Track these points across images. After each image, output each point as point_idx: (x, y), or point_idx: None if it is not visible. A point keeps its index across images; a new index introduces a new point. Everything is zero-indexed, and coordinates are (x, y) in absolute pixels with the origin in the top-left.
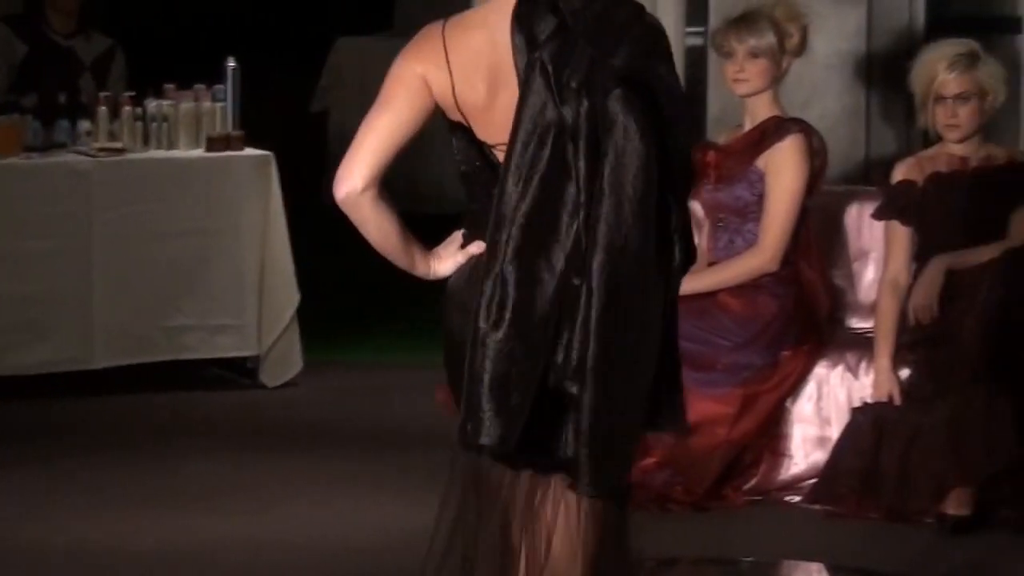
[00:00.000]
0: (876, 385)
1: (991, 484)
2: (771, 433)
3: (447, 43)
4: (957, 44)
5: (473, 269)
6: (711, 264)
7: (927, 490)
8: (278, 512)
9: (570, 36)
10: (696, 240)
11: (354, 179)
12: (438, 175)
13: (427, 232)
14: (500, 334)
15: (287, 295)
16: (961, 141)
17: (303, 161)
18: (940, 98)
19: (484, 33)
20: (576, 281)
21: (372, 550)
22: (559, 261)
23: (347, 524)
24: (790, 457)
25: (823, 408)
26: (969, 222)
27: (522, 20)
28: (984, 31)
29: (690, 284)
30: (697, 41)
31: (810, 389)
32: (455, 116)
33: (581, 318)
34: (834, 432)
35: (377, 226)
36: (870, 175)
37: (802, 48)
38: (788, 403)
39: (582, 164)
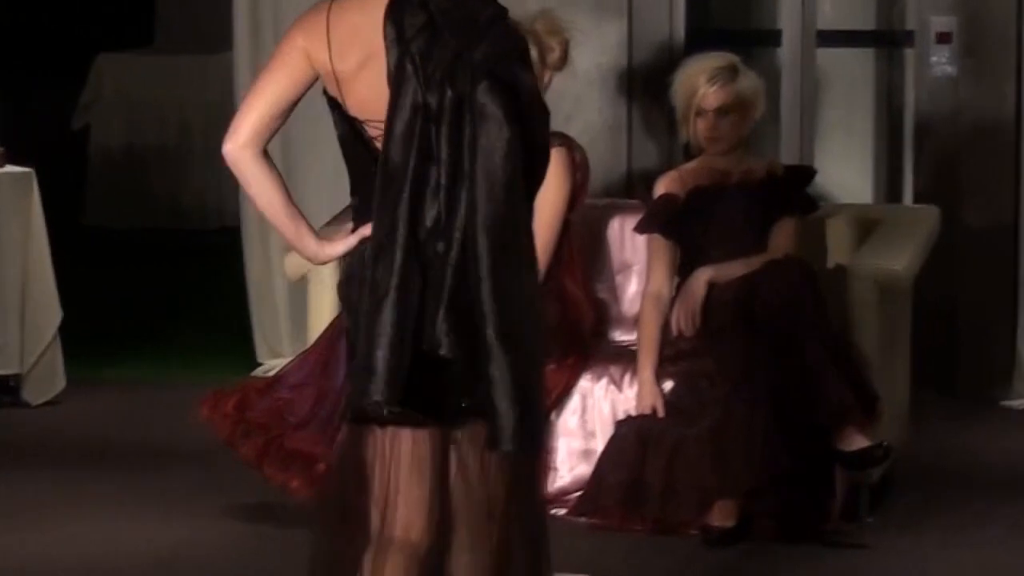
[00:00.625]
0: (640, 398)
1: (754, 495)
2: None
3: (330, 20)
4: (717, 57)
5: (363, 248)
6: None
7: (691, 502)
8: (40, 531)
9: (436, 31)
10: None
11: (237, 135)
12: (200, 190)
13: (193, 247)
14: (387, 305)
15: (49, 313)
16: (724, 154)
17: (64, 178)
18: (701, 111)
19: (361, 16)
20: (440, 250)
21: (134, 569)
22: (423, 235)
23: (109, 543)
24: (555, 470)
25: (588, 421)
26: (730, 235)
27: (394, 13)
28: (744, 44)
29: None
30: None
31: (574, 402)
32: (331, 88)
33: (454, 290)
34: (599, 445)
35: (259, 185)
36: (632, 188)
37: (564, 62)
38: (553, 416)
39: (444, 148)
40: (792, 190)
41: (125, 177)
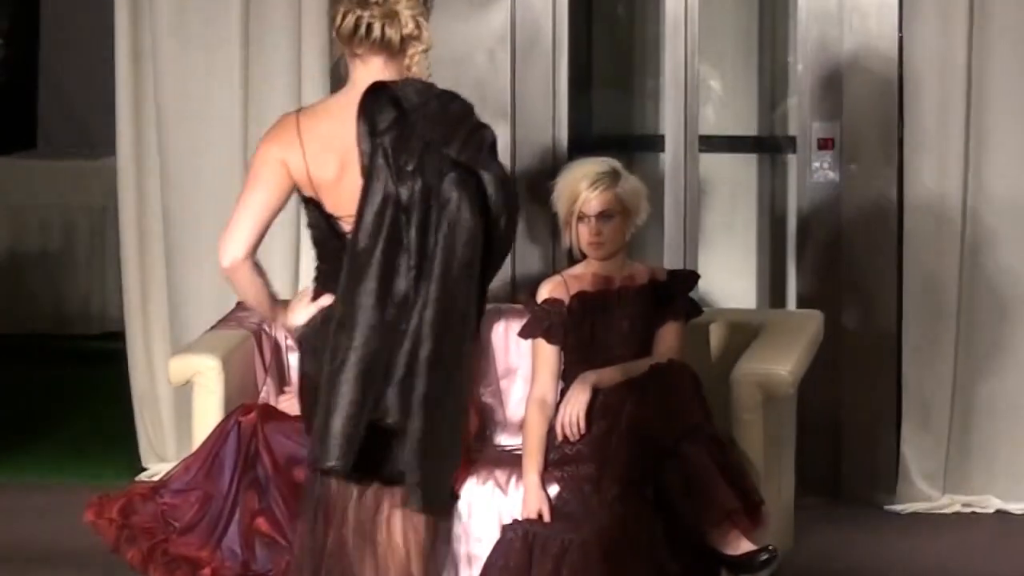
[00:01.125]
0: (525, 502)
1: None
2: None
3: (300, 129)
4: (598, 162)
5: (323, 319)
6: None
7: None
8: None
9: (406, 126)
10: None
11: (235, 250)
12: (85, 294)
13: (77, 352)
14: (346, 374)
15: None
16: (605, 259)
17: None
18: (583, 216)
19: (332, 122)
20: (403, 327)
21: None
22: (390, 314)
23: None
24: (454, 567)
25: (473, 526)
26: (615, 340)
27: (366, 111)
28: (627, 149)
29: None
30: None
31: (460, 507)
32: (308, 192)
33: (406, 361)
34: (484, 550)
35: (255, 289)
36: (516, 293)
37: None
38: (438, 521)
39: (413, 234)
40: (676, 295)
41: (7, 281)
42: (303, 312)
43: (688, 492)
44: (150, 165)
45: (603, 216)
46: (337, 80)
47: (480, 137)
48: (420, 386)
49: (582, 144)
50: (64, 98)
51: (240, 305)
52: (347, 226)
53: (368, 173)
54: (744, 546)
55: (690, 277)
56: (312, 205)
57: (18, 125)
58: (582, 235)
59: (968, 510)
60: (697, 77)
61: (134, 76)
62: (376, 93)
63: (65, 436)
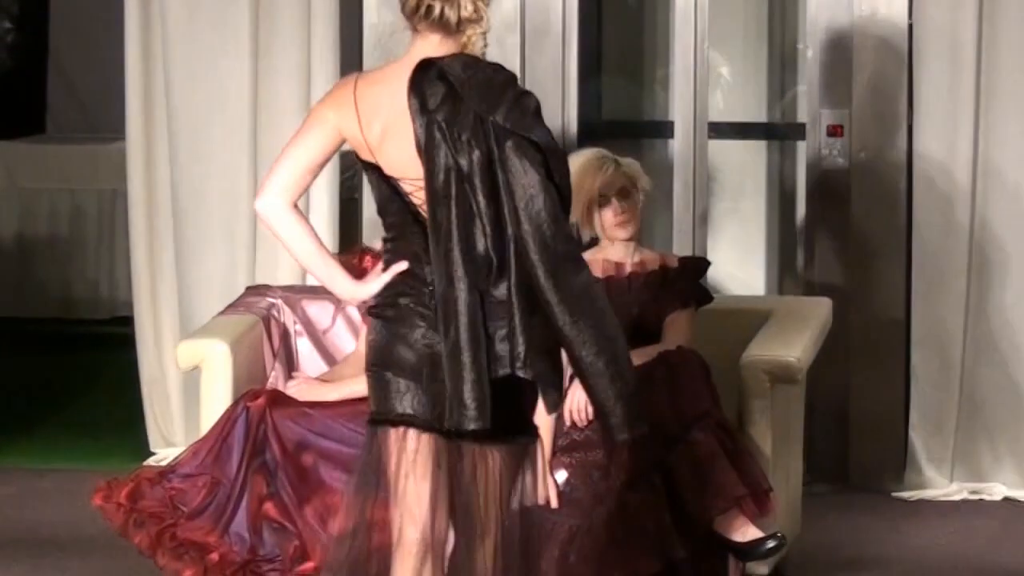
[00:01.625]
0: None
1: None
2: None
3: (356, 94)
4: (590, 151)
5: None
6: None
7: None
8: None
9: (457, 98)
10: (357, 344)
11: (266, 190)
12: (93, 279)
13: (85, 337)
14: (462, 344)
15: None
16: (631, 238)
17: None
18: (604, 200)
19: (382, 87)
20: (500, 295)
21: None
22: (478, 280)
23: None
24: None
25: None
26: (624, 326)
27: (416, 86)
28: (637, 136)
29: (346, 388)
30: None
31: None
32: (366, 156)
33: (507, 322)
34: None
35: (291, 232)
36: None
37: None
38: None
39: (481, 200)
40: (686, 282)
41: (15, 266)
42: (376, 283)
43: (696, 479)
44: (159, 149)
45: (623, 193)
46: (348, 60)
47: (524, 103)
48: (587, 337)
49: (592, 130)
50: (73, 82)
51: (249, 290)
52: (407, 187)
53: (427, 148)
54: (752, 533)
55: (700, 264)
56: (371, 169)
57: (27, 109)
58: (607, 219)
59: (975, 497)
60: (706, 64)
61: (144, 60)
62: (425, 70)
63: (73, 421)
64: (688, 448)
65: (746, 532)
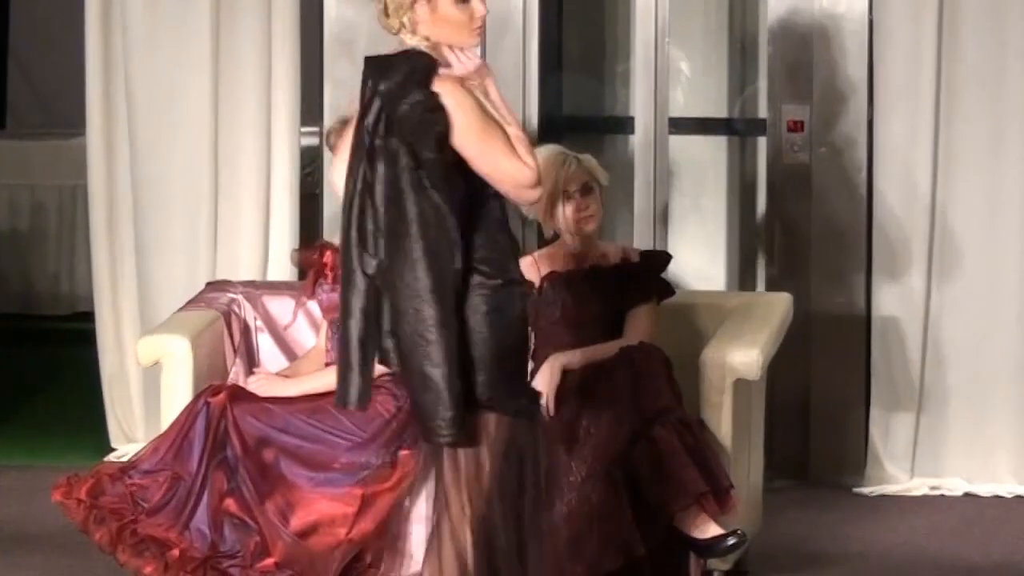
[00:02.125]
0: None
1: None
2: (390, 532)
3: None
4: (550, 148)
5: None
6: (328, 364)
7: None
8: None
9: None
10: (317, 340)
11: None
12: (54, 274)
13: (46, 333)
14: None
15: None
16: (591, 234)
17: None
18: (568, 195)
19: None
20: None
21: None
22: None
23: None
24: (410, 556)
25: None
26: (585, 320)
27: None
28: (597, 131)
29: (307, 384)
30: (312, 141)
31: (429, 487)
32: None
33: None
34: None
35: None
36: None
37: None
38: (407, 502)
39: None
40: (648, 275)
41: None
42: None
43: (657, 475)
44: (120, 145)
45: (585, 189)
46: (309, 56)
47: (412, 66)
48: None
49: (552, 126)
50: (33, 77)
51: (210, 285)
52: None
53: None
54: (712, 530)
55: (662, 257)
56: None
57: None
58: (569, 214)
59: (936, 492)
60: (667, 59)
61: (104, 54)
62: None
63: (34, 417)
64: (649, 444)
65: (706, 529)
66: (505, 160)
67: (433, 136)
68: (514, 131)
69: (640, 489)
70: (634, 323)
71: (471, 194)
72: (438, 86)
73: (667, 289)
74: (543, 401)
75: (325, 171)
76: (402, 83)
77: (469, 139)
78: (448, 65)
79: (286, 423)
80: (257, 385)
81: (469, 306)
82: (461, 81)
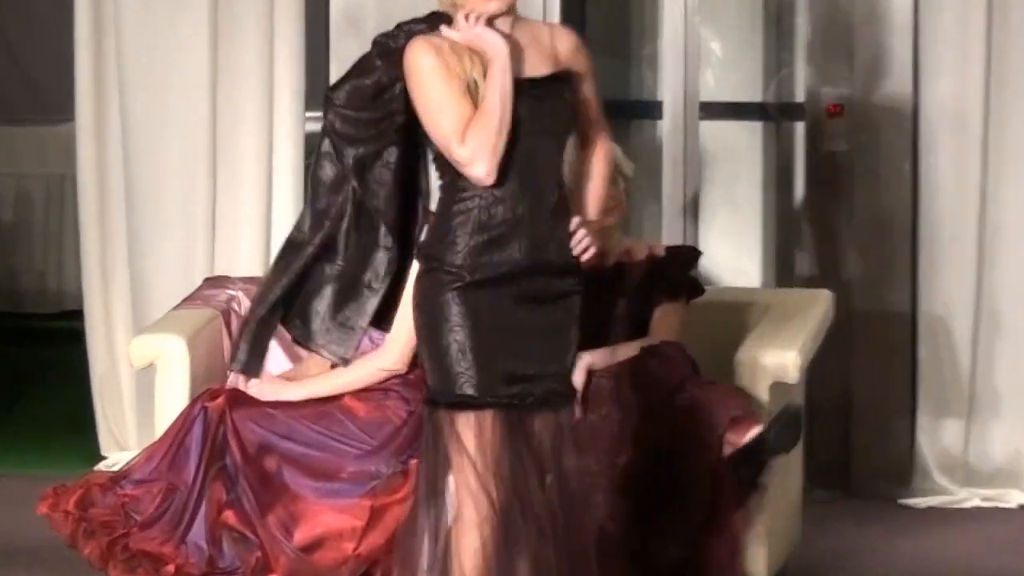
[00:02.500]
0: None
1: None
2: (401, 547)
3: None
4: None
5: None
6: (334, 366)
7: None
8: None
9: None
10: None
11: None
12: (40, 270)
13: (32, 332)
14: None
15: None
16: (614, 226)
17: None
18: None
19: None
20: None
21: None
22: None
23: None
24: (423, 572)
25: None
26: (609, 321)
27: None
28: (623, 116)
29: (313, 387)
30: (318, 126)
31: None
32: None
33: None
34: None
35: None
36: None
37: None
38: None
39: None
40: (675, 272)
41: None
42: None
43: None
44: (111, 131)
45: None
46: (313, 36)
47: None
48: None
49: None
50: (20, 58)
51: (208, 282)
52: None
53: None
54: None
55: (691, 253)
56: None
57: None
58: None
59: (989, 504)
60: (697, 39)
61: (94, 35)
62: None
63: (19, 422)
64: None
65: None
66: (442, 131)
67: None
68: (492, 120)
69: (674, 451)
70: (660, 323)
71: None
72: (410, 44)
73: (696, 287)
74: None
75: None
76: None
77: (416, 100)
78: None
79: (289, 429)
80: (258, 389)
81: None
82: (450, 45)
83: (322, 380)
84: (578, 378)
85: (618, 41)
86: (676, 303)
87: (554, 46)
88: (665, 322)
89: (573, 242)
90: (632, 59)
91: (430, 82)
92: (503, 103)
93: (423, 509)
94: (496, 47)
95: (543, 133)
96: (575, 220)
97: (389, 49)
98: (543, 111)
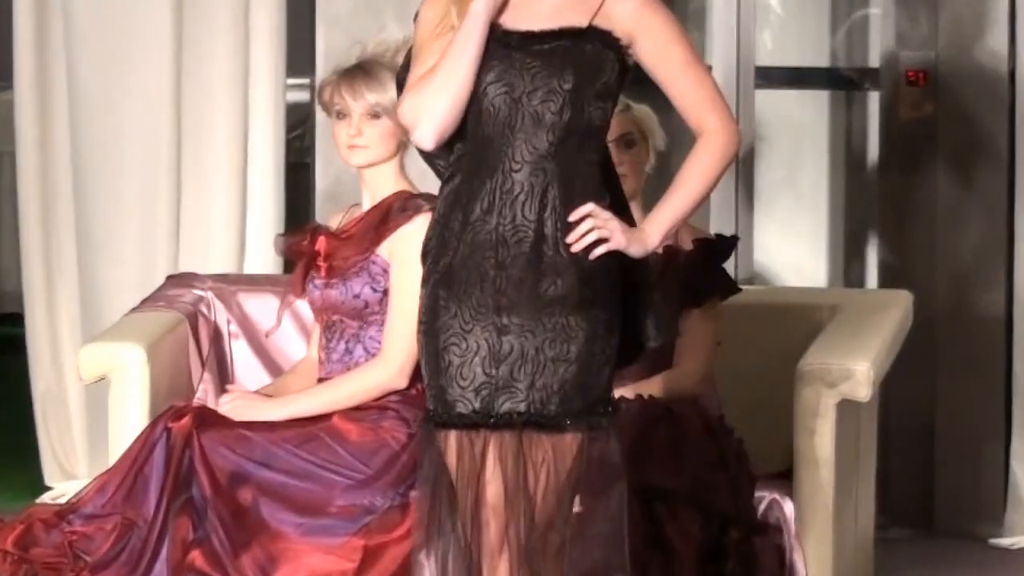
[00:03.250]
0: None
1: None
2: None
3: None
4: None
5: None
6: (322, 379)
7: None
8: None
9: None
10: (308, 350)
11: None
12: None
13: None
14: None
15: None
16: (631, 196)
17: None
18: None
19: None
20: None
21: None
22: None
23: None
24: None
25: None
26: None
27: None
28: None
29: (296, 405)
30: (302, 96)
31: None
32: None
33: None
34: None
35: None
36: None
37: None
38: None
39: None
40: (701, 272)
41: None
42: None
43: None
44: (57, 102)
45: (623, 140)
46: None
47: None
48: None
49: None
50: None
51: (171, 280)
52: None
53: None
54: None
55: (721, 245)
56: None
57: None
58: None
59: None
60: None
61: None
62: None
63: None
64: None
65: None
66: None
67: None
68: (433, 76)
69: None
70: (684, 342)
71: None
72: None
73: (728, 285)
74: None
75: (317, 133)
76: None
77: None
78: None
79: (268, 455)
80: (232, 407)
81: None
82: None
83: (307, 396)
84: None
85: None
86: (702, 308)
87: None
88: (690, 340)
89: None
90: (677, 16)
91: (416, 33)
92: (454, 54)
93: (426, 547)
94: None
95: (519, 99)
96: (580, 210)
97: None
98: (524, 73)
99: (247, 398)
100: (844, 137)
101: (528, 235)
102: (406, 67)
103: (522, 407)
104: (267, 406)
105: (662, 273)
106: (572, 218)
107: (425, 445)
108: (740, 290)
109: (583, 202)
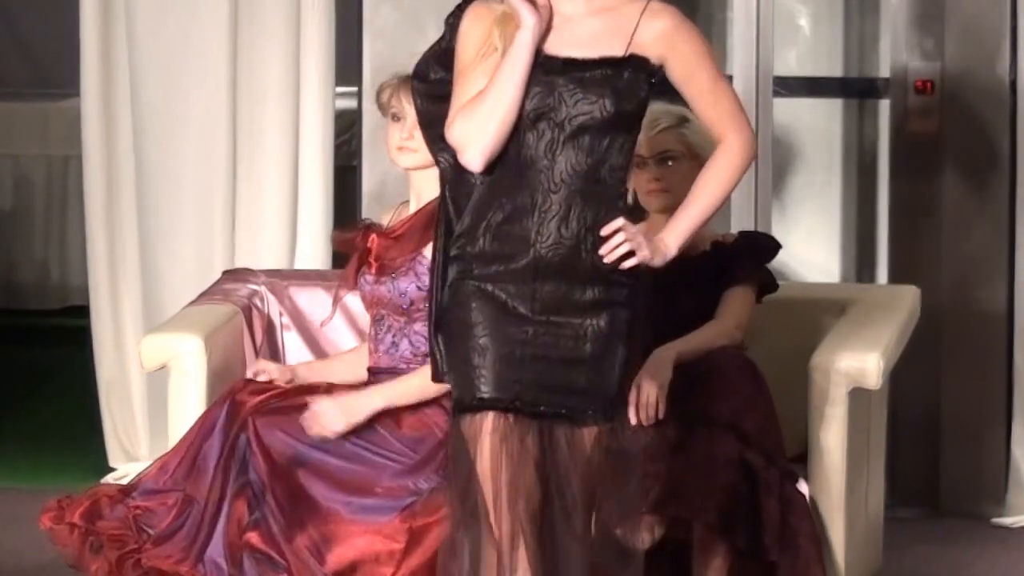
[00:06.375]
0: None
1: None
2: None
3: None
4: (663, 107)
5: None
6: (371, 368)
7: None
8: None
9: None
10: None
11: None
12: (41, 262)
13: (33, 331)
14: None
15: None
16: (665, 211)
17: None
18: (640, 160)
19: None
20: None
21: None
22: None
23: None
24: None
25: None
26: (671, 318)
27: None
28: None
29: (388, 392)
30: (349, 103)
31: None
32: None
33: None
34: None
35: None
36: None
37: None
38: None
39: None
40: (746, 260)
41: None
42: None
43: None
44: (120, 108)
45: (663, 158)
46: (344, 3)
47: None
48: None
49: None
50: (18, 28)
51: (227, 275)
52: None
53: None
54: None
55: (766, 243)
56: None
57: None
58: (640, 184)
59: None
60: (772, 5)
61: (102, 2)
62: None
63: (18, 431)
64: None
65: None
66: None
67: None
68: (482, 100)
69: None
70: (726, 305)
71: None
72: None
73: (769, 281)
74: (653, 400)
75: (364, 138)
76: None
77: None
78: None
79: (324, 439)
80: (324, 408)
81: None
82: (503, 12)
83: (401, 383)
84: (664, 375)
85: (683, 7)
86: (745, 288)
87: (638, 25)
88: (731, 304)
89: (604, 249)
90: (698, 27)
91: (459, 53)
92: (502, 81)
93: (461, 527)
94: (523, 15)
95: (562, 124)
96: (612, 224)
97: (458, 12)
98: (566, 99)
99: (338, 395)
100: (856, 143)
101: (563, 251)
102: (426, 60)
103: (546, 399)
104: (366, 395)
105: (708, 263)
106: (605, 232)
107: (454, 433)
108: (778, 287)
109: (613, 217)
